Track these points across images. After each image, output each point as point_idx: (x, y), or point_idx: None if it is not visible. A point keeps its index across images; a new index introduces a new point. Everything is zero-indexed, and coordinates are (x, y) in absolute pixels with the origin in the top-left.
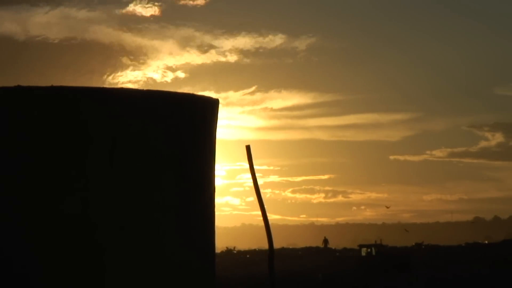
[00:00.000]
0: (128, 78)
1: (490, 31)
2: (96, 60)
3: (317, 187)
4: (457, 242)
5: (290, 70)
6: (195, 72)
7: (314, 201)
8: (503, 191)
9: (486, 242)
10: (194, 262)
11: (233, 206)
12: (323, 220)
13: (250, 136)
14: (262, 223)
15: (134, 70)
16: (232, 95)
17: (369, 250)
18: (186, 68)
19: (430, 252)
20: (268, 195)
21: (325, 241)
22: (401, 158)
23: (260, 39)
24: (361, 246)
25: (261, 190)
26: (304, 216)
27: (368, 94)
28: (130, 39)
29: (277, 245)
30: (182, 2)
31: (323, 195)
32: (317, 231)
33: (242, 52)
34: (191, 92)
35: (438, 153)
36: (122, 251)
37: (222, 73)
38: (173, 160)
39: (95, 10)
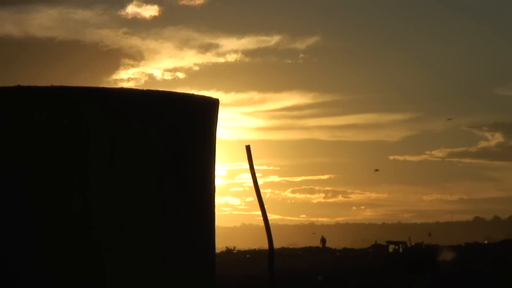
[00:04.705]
0: (128, 78)
1: (490, 31)
2: (96, 60)
3: (317, 187)
4: (457, 242)
5: (290, 70)
6: (195, 72)
7: (314, 201)
8: (503, 191)
9: (486, 242)
10: (194, 262)
11: (233, 206)
12: (323, 220)
13: (250, 136)
14: (262, 223)
15: (134, 70)
16: (232, 95)
17: (396, 247)
18: (185, 68)
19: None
20: (268, 195)
21: (323, 240)
22: (400, 158)
23: (260, 39)
24: (388, 242)
25: (261, 190)
26: (304, 216)
27: (368, 94)
28: (130, 39)
29: (277, 245)
30: (182, 3)
31: (323, 195)
32: (317, 231)
33: (242, 52)
34: (191, 92)
35: (438, 153)
36: (122, 251)
37: (222, 73)
38: (173, 160)
39: (95, 11)
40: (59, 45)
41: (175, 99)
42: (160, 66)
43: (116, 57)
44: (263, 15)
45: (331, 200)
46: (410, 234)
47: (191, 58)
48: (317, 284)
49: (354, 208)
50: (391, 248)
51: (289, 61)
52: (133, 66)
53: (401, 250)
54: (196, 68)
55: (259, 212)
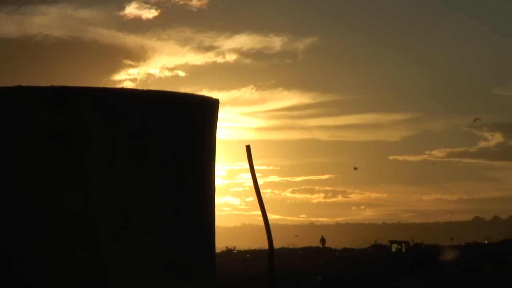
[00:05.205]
0: (128, 78)
1: (490, 31)
2: (96, 60)
3: (317, 187)
4: (457, 242)
5: (290, 70)
6: (195, 72)
7: (314, 201)
8: (502, 191)
9: (486, 242)
10: (194, 262)
11: (233, 206)
12: (323, 220)
13: (250, 136)
14: (262, 223)
15: (134, 70)
16: (232, 95)
17: (399, 246)
18: (186, 68)
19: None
20: (268, 195)
21: (322, 240)
22: (400, 158)
23: (260, 39)
24: (391, 242)
25: (261, 190)
26: (304, 216)
27: (368, 94)
28: (130, 39)
29: (277, 245)
30: (182, 3)
31: (322, 195)
32: (317, 231)
33: (242, 52)
34: (191, 92)
35: (438, 153)
36: (122, 251)
37: (222, 73)
38: (173, 160)
39: (95, 11)
40: (59, 45)
41: (175, 99)
42: (160, 66)
43: (116, 57)
44: (263, 15)
45: (331, 200)
46: (410, 234)
47: (191, 58)
48: (317, 284)
49: (354, 208)
50: (394, 247)
51: (289, 61)
52: (133, 66)
53: (403, 249)
54: (196, 68)
55: (259, 212)
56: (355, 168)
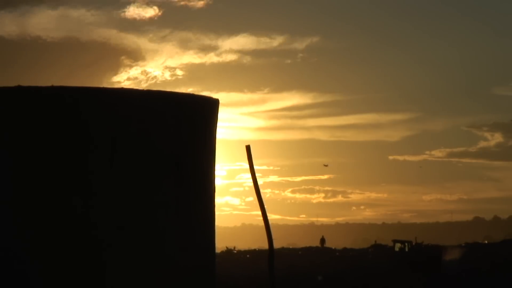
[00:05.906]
0: (128, 78)
1: (490, 31)
2: (96, 60)
3: (317, 187)
4: (457, 242)
5: (289, 70)
6: (195, 72)
7: (314, 201)
8: (502, 191)
9: (486, 242)
10: (195, 262)
11: (233, 206)
12: (323, 220)
13: (250, 136)
14: (262, 223)
15: (134, 70)
16: (232, 95)
17: (402, 246)
18: (186, 68)
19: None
20: (268, 195)
21: (322, 240)
22: (400, 158)
23: (260, 39)
24: (395, 241)
25: (261, 190)
26: (304, 216)
27: (368, 94)
28: (130, 39)
29: (277, 245)
30: (181, 3)
31: (322, 195)
32: (317, 231)
33: (241, 52)
34: (191, 92)
35: (438, 153)
36: (122, 251)
37: (222, 73)
38: (173, 160)
39: (95, 11)
40: (59, 45)
41: (175, 99)
42: (160, 66)
43: (116, 57)
44: (263, 15)
45: (331, 200)
46: (410, 234)
47: (191, 58)
48: (317, 284)
49: (354, 208)
50: (397, 246)
51: (289, 61)
52: (133, 66)
53: (406, 249)
54: (196, 68)
55: (259, 212)
56: (325, 165)
